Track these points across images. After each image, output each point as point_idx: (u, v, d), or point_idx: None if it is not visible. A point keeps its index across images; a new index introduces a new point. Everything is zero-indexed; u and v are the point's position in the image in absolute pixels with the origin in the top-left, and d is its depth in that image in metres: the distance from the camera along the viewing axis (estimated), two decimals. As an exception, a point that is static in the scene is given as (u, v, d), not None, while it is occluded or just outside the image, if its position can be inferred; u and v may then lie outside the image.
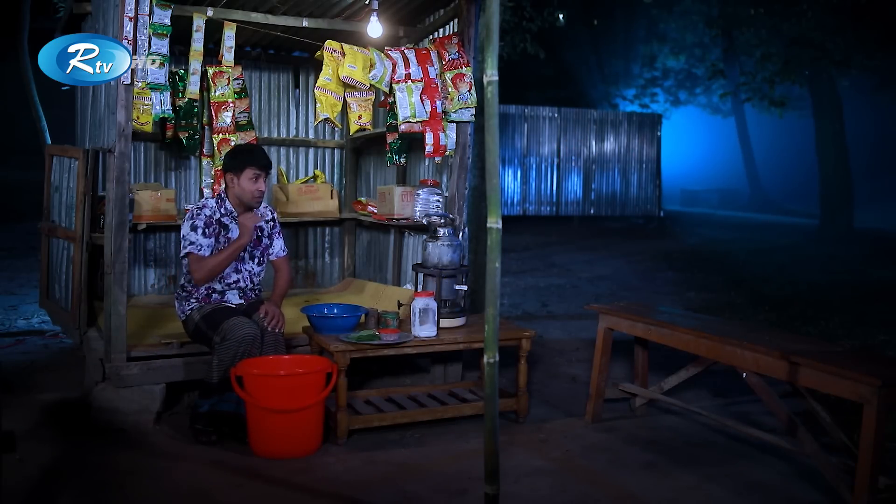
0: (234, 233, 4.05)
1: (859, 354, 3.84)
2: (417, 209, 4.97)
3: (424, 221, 4.64)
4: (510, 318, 6.56)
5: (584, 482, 3.39)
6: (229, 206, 4.09)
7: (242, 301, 4.13)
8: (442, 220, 4.34)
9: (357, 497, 3.20)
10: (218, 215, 4.04)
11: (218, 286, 4.06)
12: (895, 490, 3.06)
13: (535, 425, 4.12)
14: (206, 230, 3.98)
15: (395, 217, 5.15)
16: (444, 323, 4.13)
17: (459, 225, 4.63)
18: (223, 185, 4.20)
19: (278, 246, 4.28)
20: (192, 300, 4.04)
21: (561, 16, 13.59)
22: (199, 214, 3.99)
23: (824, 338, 5.88)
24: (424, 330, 3.97)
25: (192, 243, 3.94)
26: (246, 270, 4.15)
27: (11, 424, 2.69)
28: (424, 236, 4.50)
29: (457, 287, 4.28)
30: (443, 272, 4.23)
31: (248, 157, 4.05)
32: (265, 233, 4.21)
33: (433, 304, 3.99)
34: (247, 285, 4.15)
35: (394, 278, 5.60)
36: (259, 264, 4.21)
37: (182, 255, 3.98)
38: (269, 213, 4.28)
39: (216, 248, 4.00)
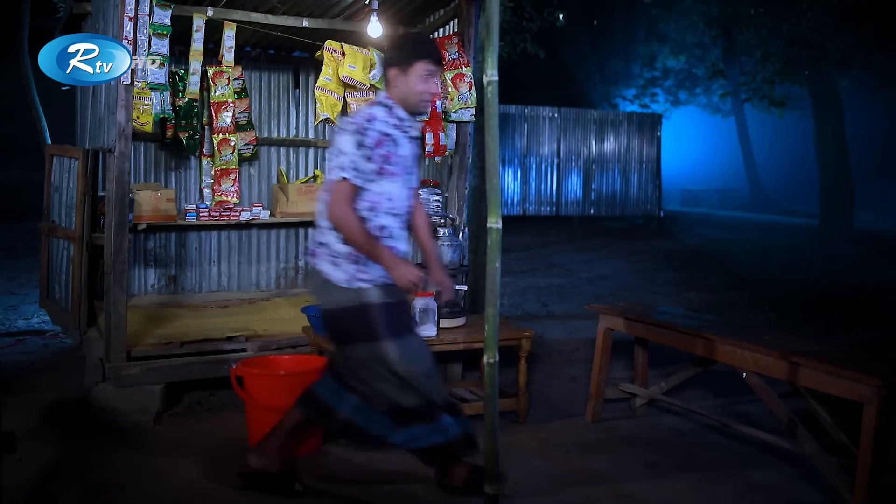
0: (404, 149, 3.09)
1: (859, 354, 3.83)
2: (417, 209, 4.97)
3: (424, 221, 4.63)
4: (510, 318, 6.55)
5: (584, 482, 3.39)
6: (401, 113, 3.08)
7: (406, 248, 3.19)
8: (442, 220, 4.34)
9: (357, 497, 3.20)
10: (388, 129, 3.03)
11: (391, 221, 3.07)
12: (895, 490, 3.06)
13: (535, 425, 4.12)
14: (373, 153, 2.97)
15: (395, 217, 5.14)
16: (444, 323, 4.13)
17: (459, 225, 4.64)
18: (382, 94, 3.15)
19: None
20: (365, 265, 3.00)
21: (561, 16, 13.60)
22: (368, 129, 2.96)
23: (824, 338, 5.87)
24: (424, 330, 3.96)
25: (354, 168, 2.93)
26: (410, 196, 3.17)
27: (11, 424, 2.68)
28: (424, 236, 4.49)
29: (457, 287, 4.27)
30: (443, 272, 4.22)
31: (420, 49, 3.09)
32: (418, 150, 3.30)
33: (433, 304, 3.99)
34: (408, 218, 3.22)
35: (394, 278, 5.59)
36: None
37: (336, 177, 2.94)
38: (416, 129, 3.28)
39: (384, 170, 3.01)
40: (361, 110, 3.11)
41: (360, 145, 2.93)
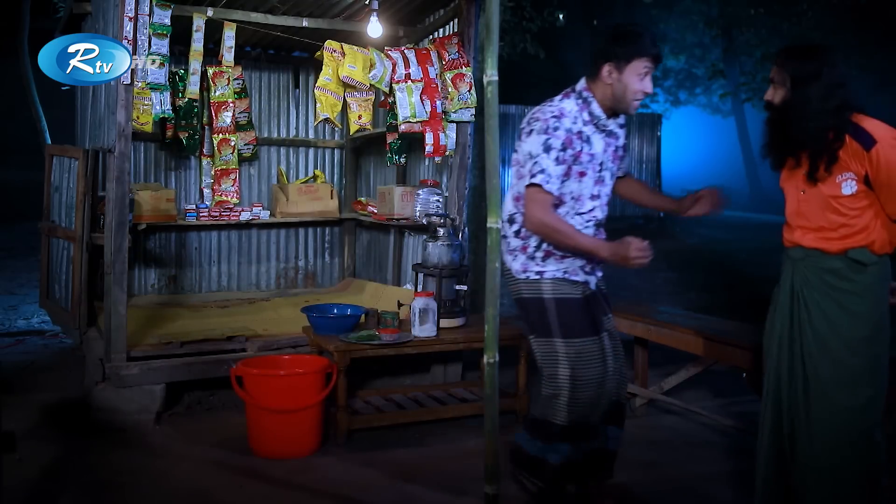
0: (597, 145, 2.88)
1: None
2: (417, 209, 4.98)
3: (424, 221, 4.65)
4: (510, 318, 6.54)
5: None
6: (597, 110, 2.87)
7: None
8: (442, 220, 4.35)
9: (357, 497, 3.20)
10: (579, 126, 2.83)
11: (576, 221, 2.92)
12: (895, 490, 3.06)
13: (535, 425, 4.11)
14: (562, 154, 2.78)
15: (395, 217, 5.15)
16: (444, 323, 4.13)
17: (459, 225, 4.64)
18: (581, 84, 2.89)
19: (627, 162, 3.15)
20: (542, 258, 2.91)
21: (561, 16, 13.61)
22: (556, 129, 2.78)
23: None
24: (424, 330, 3.97)
25: (542, 171, 2.75)
26: (605, 194, 2.98)
27: (11, 424, 2.68)
28: (424, 236, 4.50)
29: (457, 287, 4.28)
30: (443, 272, 4.23)
31: (640, 44, 2.81)
32: (621, 144, 3.02)
33: (433, 304, 3.99)
34: (602, 218, 3.01)
35: (394, 278, 5.60)
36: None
37: (526, 182, 2.80)
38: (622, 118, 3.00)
39: (571, 171, 2.83)
40: (550, 102, 2.88)
41: (547, 148, 2.76)
